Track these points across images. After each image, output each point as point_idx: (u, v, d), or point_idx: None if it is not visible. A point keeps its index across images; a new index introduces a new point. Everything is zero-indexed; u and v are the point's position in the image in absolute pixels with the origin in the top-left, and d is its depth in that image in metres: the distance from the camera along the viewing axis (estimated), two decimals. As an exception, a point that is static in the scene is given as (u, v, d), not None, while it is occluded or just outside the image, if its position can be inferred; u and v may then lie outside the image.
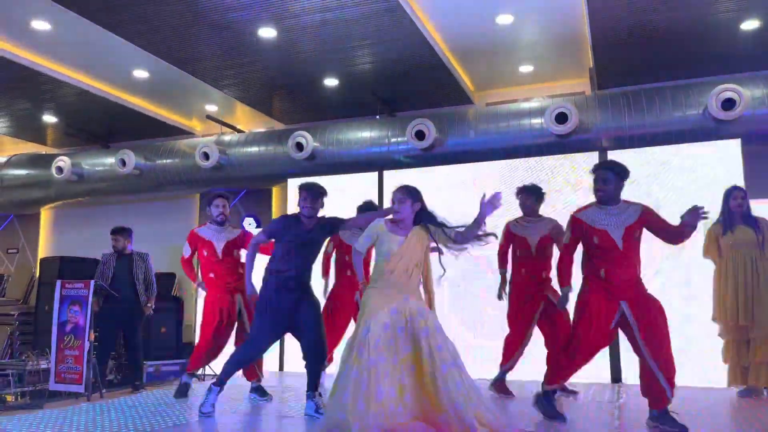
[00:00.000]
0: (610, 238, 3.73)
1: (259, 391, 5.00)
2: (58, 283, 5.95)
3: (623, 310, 3.68)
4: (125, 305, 6.16)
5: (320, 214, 4.35)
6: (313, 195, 4.24)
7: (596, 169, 3.90)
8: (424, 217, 3.65)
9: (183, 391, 5.08)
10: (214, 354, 5.15)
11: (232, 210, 9.30)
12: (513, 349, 4.88)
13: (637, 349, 3.71)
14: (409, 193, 3.66)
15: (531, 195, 4.99)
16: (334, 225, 4.35)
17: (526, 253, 4.87)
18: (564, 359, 3.86)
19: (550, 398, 3.91)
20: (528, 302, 4.82)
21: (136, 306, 6.23)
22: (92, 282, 5.80)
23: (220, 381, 4.24)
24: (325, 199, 4.38)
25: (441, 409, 3.22)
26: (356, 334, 3.46)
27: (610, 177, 3.79)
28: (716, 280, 4.98)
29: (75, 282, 5.90)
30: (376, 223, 3.68)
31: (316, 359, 4.23)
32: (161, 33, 6.20)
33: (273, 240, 4.34)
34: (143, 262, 6.36)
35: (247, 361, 4.45)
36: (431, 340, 3.35)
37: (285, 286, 4.17)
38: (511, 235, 4.98)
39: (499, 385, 4.95)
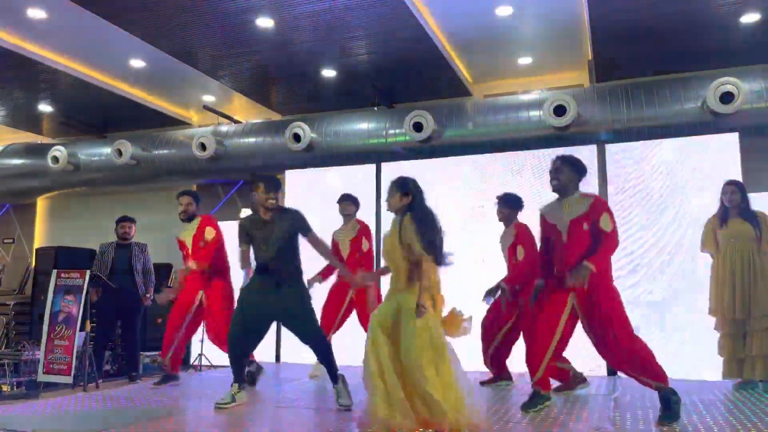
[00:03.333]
0: (557, 230, 3.77)
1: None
2: (54, 272, 5.94)
3: (573, 302, 3.70)
4: (123, 296, 6.14)
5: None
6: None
7: (553, 161, 3.98)
8: (412, 211, 3.51)
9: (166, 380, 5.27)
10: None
11: (229, 201, 9.33)
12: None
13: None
14: (399, 185, 3.57)
15: (507, 204, 4.96)
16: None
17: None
18: (528, 354, 3.88)
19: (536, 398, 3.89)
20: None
21: (135, 297, 6.21)
22: (87, 272, 5.79)
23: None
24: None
25: (420, 401, 3.26)
26: None
27: (561, 166, 3.85)
28: (713, 273, 4.98)
29: (71, 271, 5.88)
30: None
31: (315, 350, 4.24)
32: (158, 22, 6.16)
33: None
34: (142, 253, 6.34)
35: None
36: (409, 340, 3.31)
37: None
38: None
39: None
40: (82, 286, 5.71)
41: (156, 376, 5.78)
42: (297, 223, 4.20)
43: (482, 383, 4.99)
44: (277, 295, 4.08)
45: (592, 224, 3.69)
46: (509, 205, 4.92)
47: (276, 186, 4.18)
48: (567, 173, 3.83)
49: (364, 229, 5.64)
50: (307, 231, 4.22)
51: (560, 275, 3.74)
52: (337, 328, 5.60)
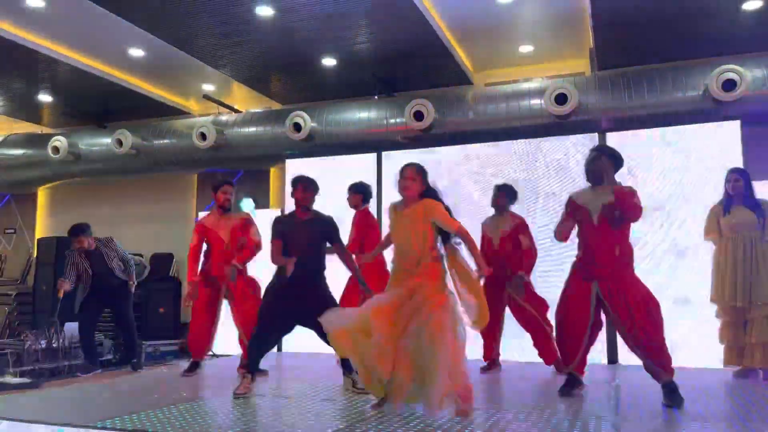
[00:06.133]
0: (587, 213, 3.90)
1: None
2: None
3: (597, 290, 3.82)
4: (110, 290, 6.19)
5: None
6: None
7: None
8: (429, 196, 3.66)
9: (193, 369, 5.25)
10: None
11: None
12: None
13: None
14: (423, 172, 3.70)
15: (507, 194, 5.19)
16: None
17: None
18: (559, 343, 4.08)
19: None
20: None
21: (120, 289, 6.24)
22: None
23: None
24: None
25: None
26: None
27: (597, 156, 4.01)
28: (715, 261, 4.98)
29: None
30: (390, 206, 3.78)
31: None
32: (157, 10, 6.12)
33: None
34: (112, 251, 6.28)
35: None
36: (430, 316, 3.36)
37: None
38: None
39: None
40: None
41: (162, 364, 5.83)
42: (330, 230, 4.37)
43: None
44: (306, 293, 4.17)
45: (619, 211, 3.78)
46: (509, 195, 5.19)
47: (315, 188, 4.40)
48: (604, 163, 3.95)
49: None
50: (336, 240, 4.40)
51: (585, 263, 3.89)
52: None
